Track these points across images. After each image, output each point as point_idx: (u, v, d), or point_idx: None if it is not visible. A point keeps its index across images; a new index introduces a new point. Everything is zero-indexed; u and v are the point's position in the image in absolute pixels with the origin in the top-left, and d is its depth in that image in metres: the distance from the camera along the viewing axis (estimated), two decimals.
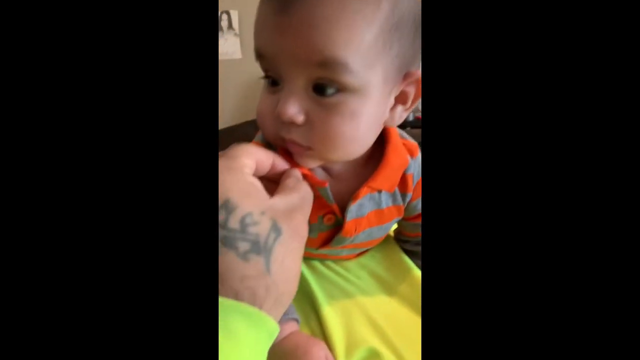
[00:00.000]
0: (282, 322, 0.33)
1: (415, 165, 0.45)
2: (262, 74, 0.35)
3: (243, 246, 0.24)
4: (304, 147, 0.35)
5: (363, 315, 0.39)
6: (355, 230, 0.45)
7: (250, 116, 2.02)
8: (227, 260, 0.24)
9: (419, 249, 0.52)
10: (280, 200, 0.28)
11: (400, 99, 0.37)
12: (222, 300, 0.23)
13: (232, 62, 2.08)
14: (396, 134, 0.44)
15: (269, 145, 0.41)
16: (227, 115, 2.18)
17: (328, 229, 0.45)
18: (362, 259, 0.53)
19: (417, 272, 0.47)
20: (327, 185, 0.41)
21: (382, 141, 0.43)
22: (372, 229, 0.47)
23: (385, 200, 0.45)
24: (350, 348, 0.35)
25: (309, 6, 0.29)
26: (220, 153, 0.30)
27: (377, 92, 0.33)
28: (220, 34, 2.09)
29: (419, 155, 0.46)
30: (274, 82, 0.34)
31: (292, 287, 0.27)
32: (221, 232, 0.24)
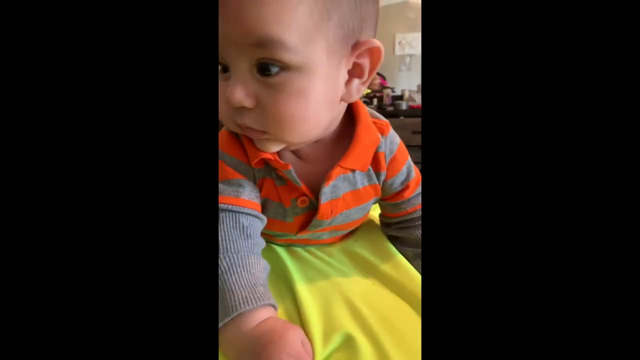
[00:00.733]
0: (258, 307, 0.32)
1: (386, 143, 0.45)
2: None
3: None
4: (259, 131, 0.35)
5: (341, 297, 0.38)
6: (332, 212, 0.44)
7: None
8: None
9: (402, 234, 0.51)
10: None
11: (355, 72, 0.36)
12: None
13: None
14: (366, 113, 0.44)
15: (235, 134, 0.41)
16: None
17: (303, 212, 0.44)
18: (345, 244, 0.52)
19: (401, 258, 0.46)
20: (291, 167, 0.40)
21: (352, 120, 0.43)
22: (349, 211, 0.46)
23: (361, 180, 0.45)
24: (327, 332, 0.34)
25: None
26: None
27: (322, 67, 0.32)
28: None
29: (390, 133, 0.46)
30: (224, 68, 0.34)
31: None
32: None
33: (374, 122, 0.45)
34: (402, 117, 2.61)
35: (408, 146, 0.49)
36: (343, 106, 0.40)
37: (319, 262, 0.46)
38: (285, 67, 0.31)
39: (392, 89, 3.23)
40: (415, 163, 0.49)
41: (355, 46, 0.34)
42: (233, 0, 0.29)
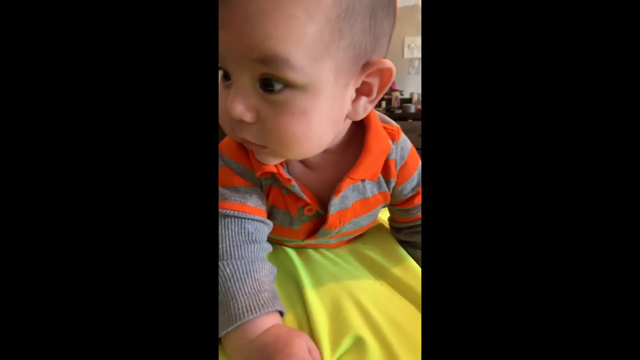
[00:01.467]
0: (262, 315, 0.32)
1: (397, 150, 0.44)
2: None
3: None
4: (259, 145, 0.34)
5: (351, 300, 0.38)
6: (340, 222, 0.43)
7: None
8: None
9: (412, 238, 0.50)
10: None
11: (363, 90, 0.34)
12: None
13: None
14: (376, 118, 0.42)
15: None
16: None
17: (310, 220, 0.44)
18: (354, 246, 0.51)
19: (411, 261, 0.46)
20: (294, 182, 0.39)
21: (361, 127, 0.41)
22: (358, 219, 0.45)
23: (370, 189, 0.44)
24: (336, 336, 0.33)
25: None
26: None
27: (329, 87, 0.31)
28: None
29: (401, 138, 0.44)
30: (226, 75, 0.32)
31: None
32: None
33: (385, 128, 0.43)
34: (410, 120, 2.60)
35: (415, 149, 0.49)
36: (348, 121, 0.39)
37: (328, 264, 0.46)
38: (289, 85, 0.29)
39: (401, 92, 3.23)
40: None
41: (366, 66, 0.32)
42: (239, 12, 0.27)
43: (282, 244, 0.50)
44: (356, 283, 0.42)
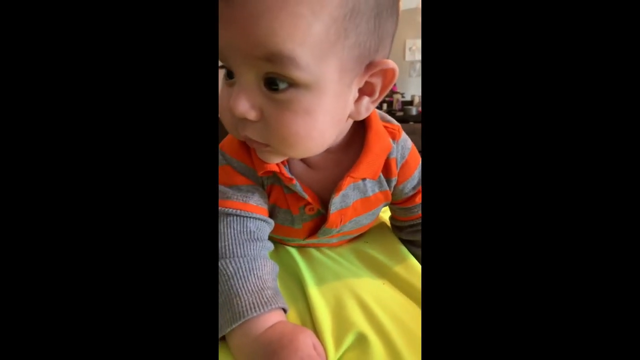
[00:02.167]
0: (266, 312, 0.32)
1: (398, 149, 0.44)
2: None
3: None
4: (262, 143, 0.34)
5: (353, 298, 0.38)
6: (341, 221, 0.44)
7: None
8: None
9: (414, 237, 0.51)
10: None
11: (366, 90, 0.34)
12: None
13: None
14: (377, 118, 0.43)
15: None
16: None
17: (312, 219, 0.44)
18: (356, 245, 0.51)
19: (413, 259, 0.46)
20: (295, 182, 0.40)
21: (362, 126, 0.41)
22: (359, 217, 0.46)
23: (371, 187, 0.44)
24: (339, 333, 0.34)
25: None
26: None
27: (333, 86, 0.31)
28: None
29: (402, 137, 0.44)
30: (229, 73, 0.33)
31: None
32: None
33: (385, 127, 0.44)
34: (411, 123, 2.61)
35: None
36: (350, 121, 0.39)
37: (330, 262, 0.46)
38: (294, 84, 0.30)
39: (402, 95, 3.23)
40: None
41: (370, 66, 0.33)
42: (244, 9, 0.27)
43: (283, 244, 0.50)
44: (358, 281, 0.42)
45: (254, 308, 0.32)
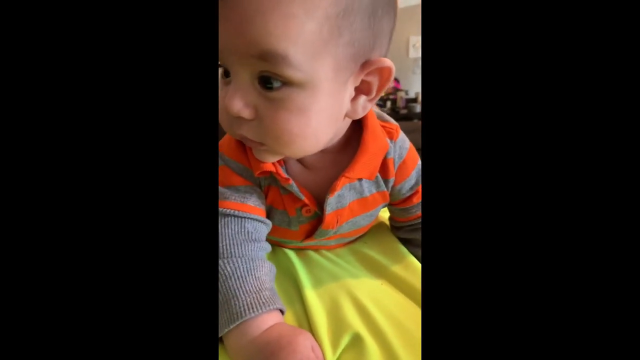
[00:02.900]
0: (264, 313, 0.32)
1: (396, 148, 0.43)
2: None
3: None
4: (257, 142, 0.34)
5: (350, 299, 0.38)
6: (337, 222, 0.43)
7: None
8: None
9: (413, 235, 0.50)
10: None
11: (363, 88, 0.34)
12: None
13: None
14: (373, 117, 0.42)
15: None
16: None
17: (309, 221, 0.44)
18: (354, 246, 0.51)
19: (413, 259, 0.46)
20: (292, 182, 0.39)
21: (359, 126, 0.41)
22: (356, 218, 0.45)
23: (368, 188, 0.44)
24: (335, 334, 0.34)
25: None
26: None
27: (327, 85, 0.31)
28: None
29: (399, 137, 0.44)
30: (226, 72, 0.33)
31: None
32: None
33: (383, 126, 0.43)
34: (415, 120, 2.59)
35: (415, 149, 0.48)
36: (347, 121, 0.39)
37: (328, 264, 0.46)
38: (288, 83, 0.30)
39: (406, 92, 3.21)
40: None
41: (365, 64, 0.32)
42: (238, 9, 0.27)
43: (281, 246, 0.50)
44: (355, 282, 0.42)
45: (252, 309, 0.32)
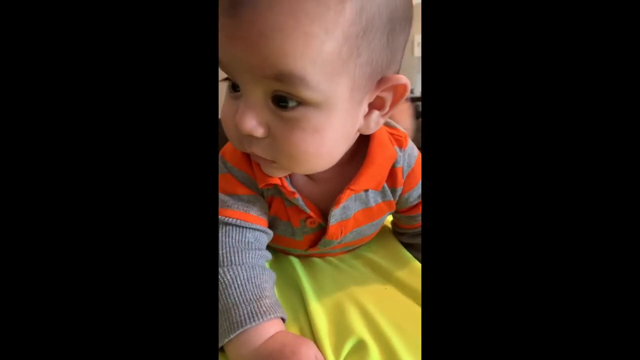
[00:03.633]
0: (264, 322, 0.32)
1: (404, 157, 0.42)
2: None
3: None
4: (268, 160, 0.33)
5: (354, 304, 0.38)
6: (342, 232, 0.43)
7: None
8: None
9: (416, 240, 0.50)
10: None
11: (376, 104, 0.33)
12: None
13: None
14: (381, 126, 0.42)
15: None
16: None
17: (313, 232, 0.43)
18: (360, 250, 0.51)
19: (417, 264, 0.45)
20: (298, 196, 0.39)
21: (366, 136, 0.40)
22: (361, 228, 0.45)
23: (374, 198, 0.43)
24: (338, 340, 0.33)
25: (261, 11, 0.25)
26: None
27: (344, 104, 0.30)
28: None
29: (409, 145, 0.43)
30: (234, 86, 0.32)
31: None
32: None
33: (391, 134, 0.42)
34: (420, 119, 2.58)
35: None
36: (357, 134, 0.38)
37: (331, 270, 0.46)
38: (303, 102, 0.29)
39: (412, 91, 3.20)
40: None
41: (381, 82, 0.31)
42: (250, 24, 0.26)
43: (285, 254, 0.50)
44: (359, 287, 0.42)
45: (252, 318, 0.31)
